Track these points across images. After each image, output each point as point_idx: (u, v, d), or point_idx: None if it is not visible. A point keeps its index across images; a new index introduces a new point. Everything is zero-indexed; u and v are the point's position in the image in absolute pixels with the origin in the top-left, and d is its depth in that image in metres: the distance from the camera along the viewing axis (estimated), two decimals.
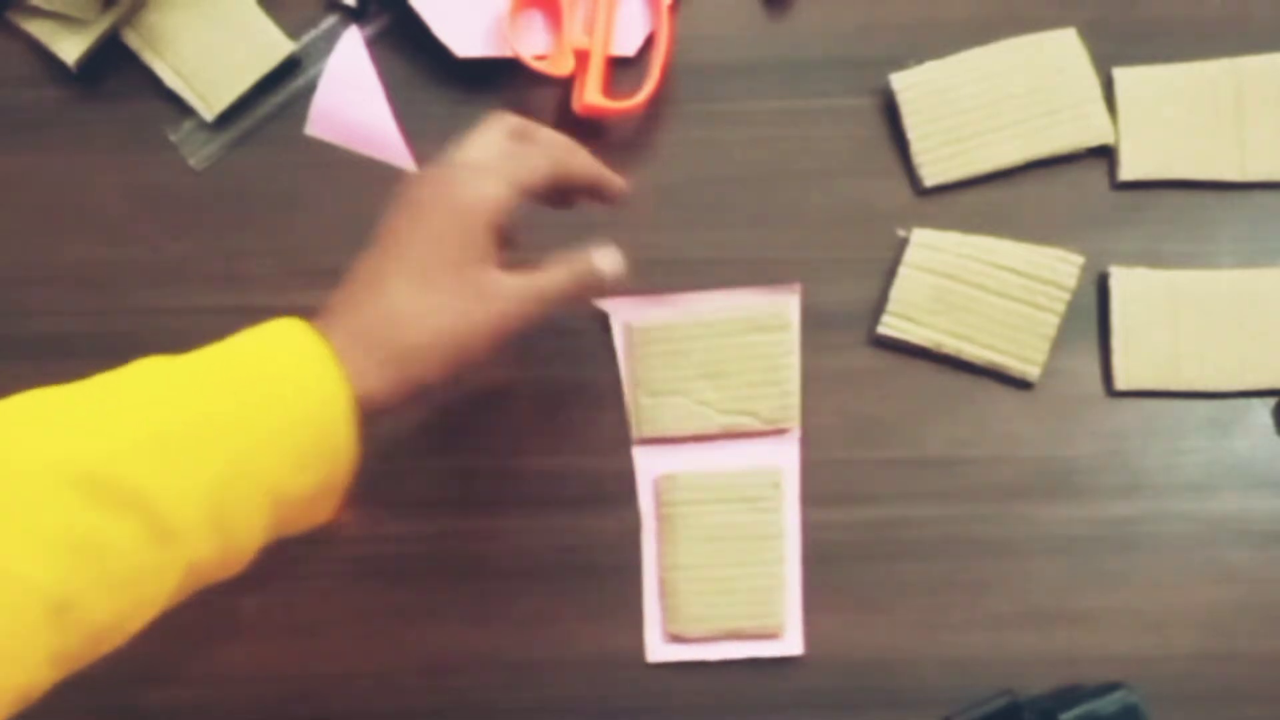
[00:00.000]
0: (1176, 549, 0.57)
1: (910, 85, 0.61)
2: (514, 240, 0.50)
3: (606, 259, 0.51)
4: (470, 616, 0.58)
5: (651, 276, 0.59)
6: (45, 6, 0.61)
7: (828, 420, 0.59)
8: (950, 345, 0.59)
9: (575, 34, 0.60)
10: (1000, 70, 0.61)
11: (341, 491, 0.45)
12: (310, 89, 0.63)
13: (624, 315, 0.59)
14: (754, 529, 0.57)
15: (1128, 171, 0.60)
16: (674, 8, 0.62)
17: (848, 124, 0.62)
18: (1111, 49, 0.61)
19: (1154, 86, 0.61)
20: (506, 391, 0.60)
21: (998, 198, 0.61)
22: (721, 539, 0.57)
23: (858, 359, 0.59)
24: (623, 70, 0.62)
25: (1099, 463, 0.58)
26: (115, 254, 0.62)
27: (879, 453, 0.59)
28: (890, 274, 0.59)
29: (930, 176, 0.60)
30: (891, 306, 0.59)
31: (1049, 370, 0.59)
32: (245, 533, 0.42)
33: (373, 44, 0.63)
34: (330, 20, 0.64)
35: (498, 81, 0.62)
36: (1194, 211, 0.60)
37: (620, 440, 0.59)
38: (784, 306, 0.59)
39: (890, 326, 0.59)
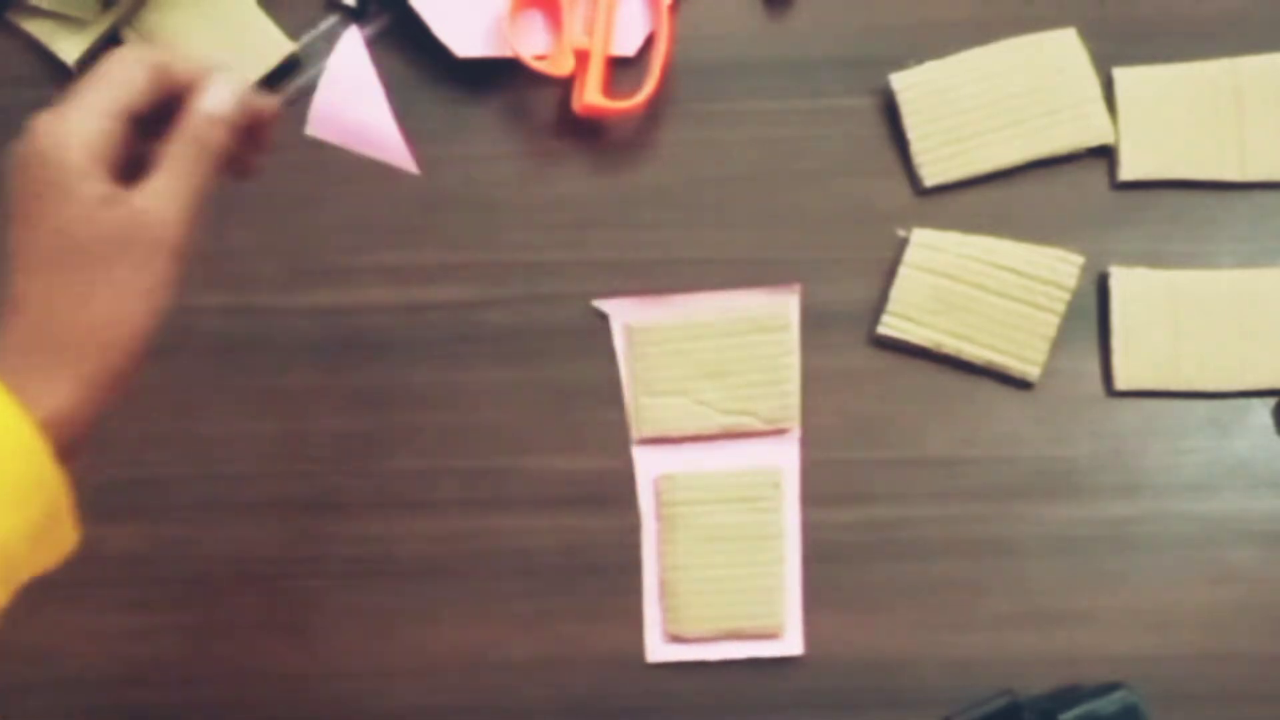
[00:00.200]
0: (1176, 549, 0.57)
1: (910, 85, 0.61)
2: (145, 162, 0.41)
3: (219, 97, 0.41)
4: (470, 616, 0.58)
5: (651, 276, 0.59)
6: (45, 6, 0.61)
7: (828, 420, 0.59)
8: (950, 345, 0.59)
9: (575, 34, 0.60)
10: (1000, 70, 0.61)
11: (65, 520, 0.41)
12: (310, 89, 0.63)
13: (624, 315, 0.59)
14: (754, 529, 0.57)
15: (1128, 171, 0.60)
16: (674, 8, 0.62)
17: (848, 124, 0.62)
18: (1111, 49, 0.61)
19: (1154, 86, 0.61)
20: (506, 391, 0.60)
21: (998, 198, 0.61)
22: (721, 539, 0.57)
23: (858, 359, 0.59)
24: (623, 70, 0.62)
25: (1099, 463, 0.58)
26: None
27: (879, 453, 0.59)
28: (890, 274, 0.59)
29: (930, 176, 0.60)
30: (891, 306, 0.59)
31: (1049, 370, 0.59)
32: None
33: (373, 44, 0.63)
34: (330, 20, 0.64)
35: (498, 81, 0.62)
36: (1194, 211, 0.60)
37: (620, 440, 0.59)
38: (784, 306, 0.59)
39: (890, 326, 0.59)
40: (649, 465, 0.58)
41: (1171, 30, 0.62)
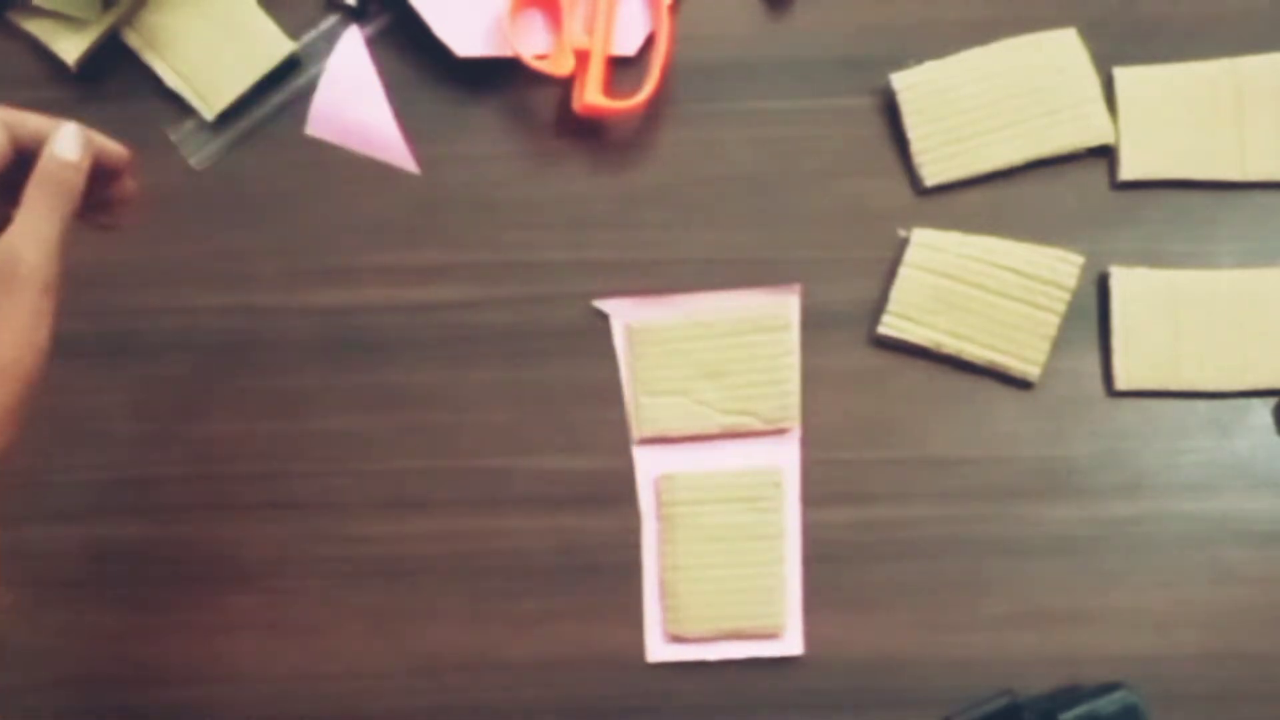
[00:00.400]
0: (1176, 549, 0.57)
1: (910, 85, 0.61)
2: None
3: (67, 142, 0.43)
4: (470, 616, 0.58)
5: (652, 276, 0.59)
6: (45, 6, 0.61)
7: (828, 420, 0.59)
8: (950, 345, 0.59)
9: (575, 34, 0.60)
10: (1000, 70, 0.61)
11: None
12: (310, 89, 0.63)
13: (624, 315, 0.59)
14: (754, 529, 0.57)
15: (1128, 171, 0.60)
16: (674, 8, 0.62)
17: (848, 124, 0.62)
18: (1111, 49, 0.61)
19: (1154, 86, 0.61)
20: (506, 391, 0.60)
21: (998, 198, 0.61)
22: (722, 539, 0.57)
23: (858, 359, 0.59)
24: (623, 70, 0.62)
25: (1099, 463, 0.58)
26: (115, 254, 0.62)
27: (879, 453, 0.59)
28: (890, 274, 0.59)
29: (930, 176, 0.60)
30: (891, 306, 0.59)
31: (1049, 370, 0.59)
32: None
33: (373, 44, 0.63)
34: (330, 20, 0.64)
35: (498, 81, 0.62)
36: (1194, 211, 0.60)
37: (620, 440, 0.59)
38: (784, 306, 0.59)
39: (890, 326, 0.59)
40: (649, 465, 0.58)
41: (1171, 30, 0.62)
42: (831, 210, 0.61)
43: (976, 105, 0.60)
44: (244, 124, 0.63)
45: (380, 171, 0.62)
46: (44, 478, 0.59)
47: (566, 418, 0.59)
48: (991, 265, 0.59)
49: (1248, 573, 0.57)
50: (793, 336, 0.59)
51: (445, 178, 0.62)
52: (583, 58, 0.60)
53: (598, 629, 0.58)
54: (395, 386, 0.60)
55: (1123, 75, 0.61)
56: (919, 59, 0.61)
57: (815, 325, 0.59)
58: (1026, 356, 0.58)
